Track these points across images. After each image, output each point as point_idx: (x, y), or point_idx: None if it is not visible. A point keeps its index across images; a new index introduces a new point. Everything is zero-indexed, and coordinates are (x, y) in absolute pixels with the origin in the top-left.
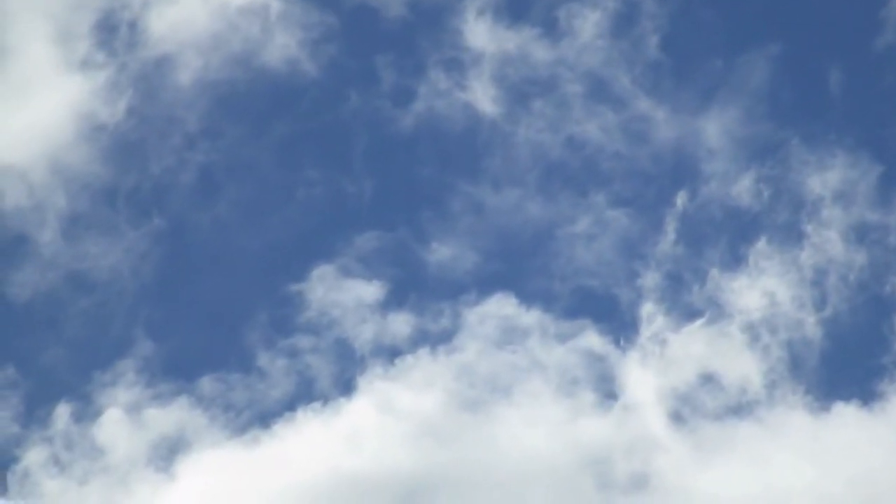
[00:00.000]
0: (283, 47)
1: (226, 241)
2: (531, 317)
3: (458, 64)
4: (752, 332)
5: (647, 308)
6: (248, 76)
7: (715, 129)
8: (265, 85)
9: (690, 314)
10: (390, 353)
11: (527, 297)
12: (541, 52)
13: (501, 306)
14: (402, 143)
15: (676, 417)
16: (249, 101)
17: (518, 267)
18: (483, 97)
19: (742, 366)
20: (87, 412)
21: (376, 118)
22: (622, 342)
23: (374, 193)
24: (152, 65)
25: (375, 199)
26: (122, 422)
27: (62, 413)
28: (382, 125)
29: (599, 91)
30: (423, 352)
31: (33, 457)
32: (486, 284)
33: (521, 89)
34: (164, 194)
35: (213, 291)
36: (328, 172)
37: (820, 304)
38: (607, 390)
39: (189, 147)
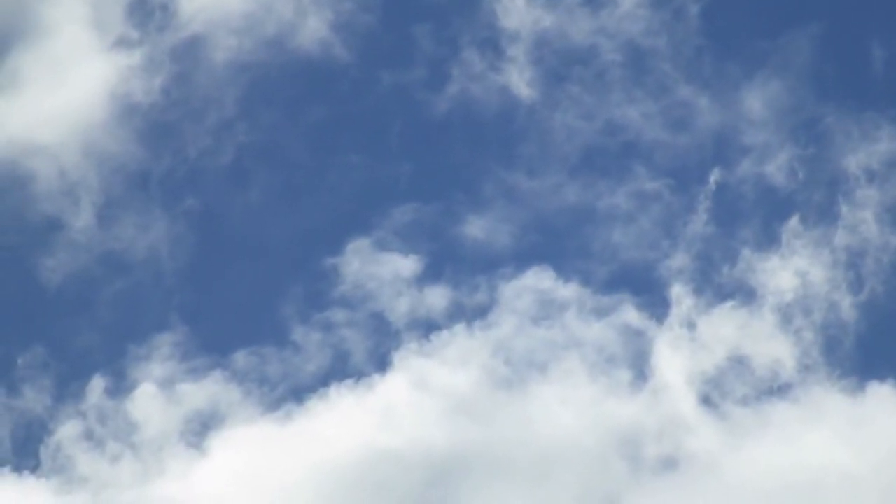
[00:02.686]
0: (316, 30)
1: (261, 220)
2: (569, 290)
3: (493, 44)
4: (785, 313)
5: (677, 290)
6: (282, 59)
7: (755, 105)
8: (299, 68)
9: (721, 295)
10: (426, 328)
11: (564, 271)
12: (579, 23)
13: (539, 280)
14: (437, 127)
15: (707, 400)
16: (283, 83)
17: (556, 240)
18: (519, 80)
19: (774, 348)
20: (120, 386)
21: (410, 102)
22: (654, 322)
23: (409, 178)
24: (186, 47)
25: (410, 183)
26: (156, 396)
27: (96, 387)
28: (417, 109)
29: (639, 66)
30: (459, 328)
31: (66, 431)
32: (523, 258)
33: (558, 71)
34: (198, 175)
35: (247, 267)
36: (362, 157)
37: (855, 286)
38: (640, 370)
39: (224, 129)
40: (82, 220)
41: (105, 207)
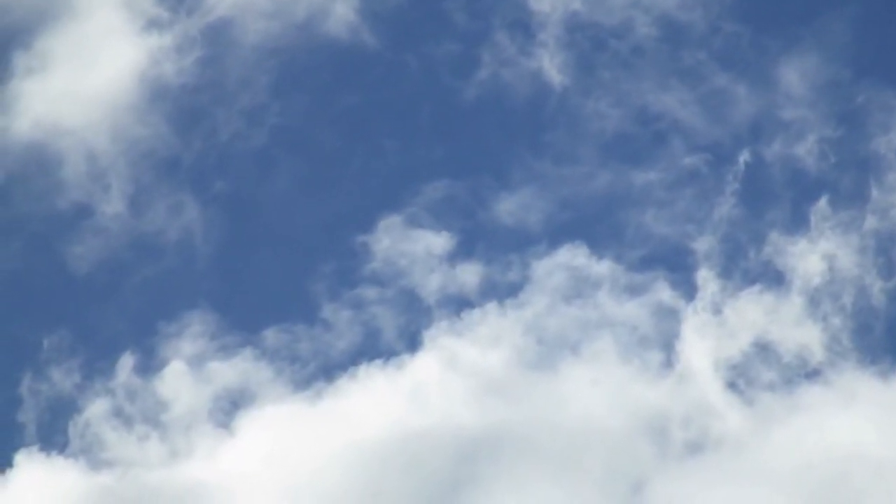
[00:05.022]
0: (344, 14)
1: (292, 202)
2: (602, 267)
3: (524, 27)
4: (813, 298)
5: (703, 273)
6: (311, 43)
7: (792, 79)
8: (328, 53)
9: (748, 279)
10: (457, 306)
11: (598, 247)
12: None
13: (572, 256)
14: (467, 114)
15: (733, 385)
16: (313, 68)
17: (588, 217)
18: (550, 66)
19: (802, 334)
20: (150, 364)
21: (441, 88)
22: (684, 303)
23: (439, 163)
24: (214, 30)
25: (441, 166)
26: (185, 375)
27: (125, 365)
28: (447, 95)
29: (673, 41)
30: (491, 306)
31: (95, 409)
32: (556, 234)
33: (590, 56)
34: (228, 159)
35: (278, 246)
36: (392, 142)
37: (885, 271)
38: (671, 352)
39: (254, 113)
40: (111, 206)
41: (134, 192)
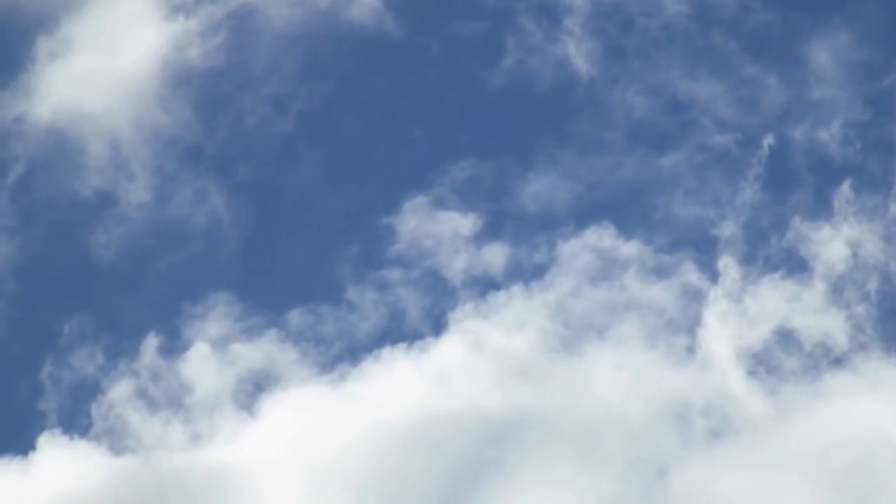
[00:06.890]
0: (368, 2)
1: (317, 186)
2: (630, 248)
3: (550, 12)
4: (836, 284)
5: (726, 260)
6: (336, 30)
7: (821, 60)
8: (352, 40)
9: (772, 266)
10: (483, 287)
11: (626, 228)
12: None
13: (600, 238)
14: (493, 102)
15: (755, 373)
16: (337, 55)
17: (616, 199)
18: (576, 53)
19: (825, 321)
20: (174, 346)
21: (465, 75)
22: (709, 286)
23: (465, 149)
24: (238, 17)
25: (467, 151)
26: (210, 356)
27: (149, 346)
28: (472, 83)
29: (704, 19)
30: (517, 288)
31: (119, 390)
32: (583, 215)
33: (619, 41)
34: (253, 145)
35: (304, 228)
36: (417, 131)
37: None
38: (696, 336)
39: (278, 99)
40: (136, 194)
41: (158, 180)
